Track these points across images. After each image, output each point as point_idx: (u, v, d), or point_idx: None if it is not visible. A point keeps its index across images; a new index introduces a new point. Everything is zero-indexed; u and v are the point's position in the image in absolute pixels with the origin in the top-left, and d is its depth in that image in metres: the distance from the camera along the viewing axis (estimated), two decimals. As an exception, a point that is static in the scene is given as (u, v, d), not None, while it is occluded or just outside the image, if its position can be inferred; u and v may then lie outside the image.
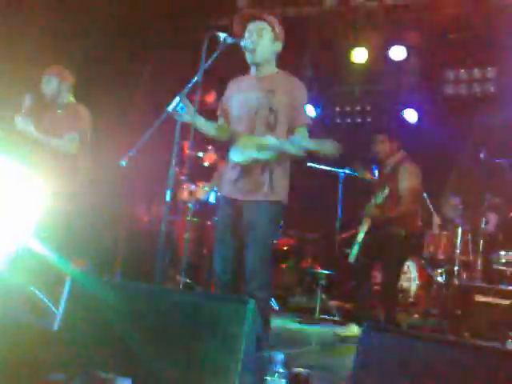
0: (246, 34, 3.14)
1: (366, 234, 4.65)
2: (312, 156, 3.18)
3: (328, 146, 3.01)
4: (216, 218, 3.41)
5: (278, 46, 3.20)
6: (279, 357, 2.35)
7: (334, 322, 5.27)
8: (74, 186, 4.14)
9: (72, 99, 4.32)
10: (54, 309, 2.42)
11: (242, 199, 3.09)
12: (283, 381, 2.34)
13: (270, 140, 3.02)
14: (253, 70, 3.23)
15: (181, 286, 5.17)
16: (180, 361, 2.09)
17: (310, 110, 7.11)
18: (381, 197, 4.56)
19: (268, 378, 2.31)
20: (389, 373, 1.95)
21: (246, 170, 3.08)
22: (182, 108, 3.02)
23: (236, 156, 3.14)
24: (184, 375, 2.07)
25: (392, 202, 4.62)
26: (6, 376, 2.06)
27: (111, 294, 2.26)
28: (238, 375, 1.98)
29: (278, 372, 2.33)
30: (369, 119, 7.40)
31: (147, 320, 2.20)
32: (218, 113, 3.34)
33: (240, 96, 3.20)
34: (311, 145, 3.04)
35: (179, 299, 2.24)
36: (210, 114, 3.44)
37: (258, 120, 3.08)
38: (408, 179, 4.68)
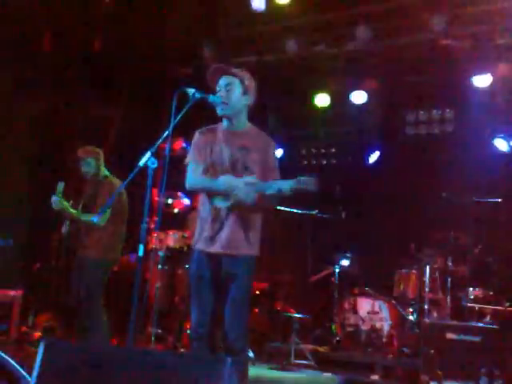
0: (217, 89, 3.21)
1: None
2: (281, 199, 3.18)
3: (308, 183, 3.03)
4: (190, 270, 3.35)
5: (248, 99, 3.21)
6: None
7: (309, 367, 5.23)
8: (114, 253, 4.49)
9: (106, 172, 4.58)
10: (27, 376, 2.35)
11: (220, 252, 3.09)
12: None
13: (254, 179, 3.02)
14: (224, 123, 3.25)
15: (153, 338, 5.09)
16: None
17: (278, 151, 7.24)
18: None
19: None
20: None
21: (225, 223, 3.10)
22: (153, 162, 3.04)
23: (221, 201, 3.12)
24: None
25: None
26: None
27: (85, 359, 2.21)
28: None
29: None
30: (334, 161, 7.56)
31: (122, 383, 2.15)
32: (198, 160, 3.20)
33: (217, 147, 3.18)
34: (292, 185, 3.00)
35: (153, 360, 2.20)
36: (177, 160, 3.47)
37: (233, 174, 3.10)
38: None
